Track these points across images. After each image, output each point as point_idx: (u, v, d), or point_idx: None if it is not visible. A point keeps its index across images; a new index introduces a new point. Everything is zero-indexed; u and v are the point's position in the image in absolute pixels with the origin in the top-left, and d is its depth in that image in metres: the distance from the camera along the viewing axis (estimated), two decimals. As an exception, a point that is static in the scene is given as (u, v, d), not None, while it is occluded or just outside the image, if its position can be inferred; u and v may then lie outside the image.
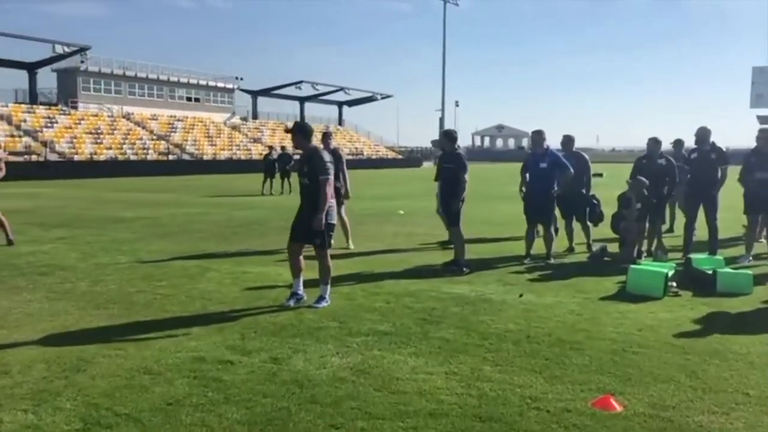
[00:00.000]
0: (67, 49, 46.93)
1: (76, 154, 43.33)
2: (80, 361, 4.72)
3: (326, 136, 10.20)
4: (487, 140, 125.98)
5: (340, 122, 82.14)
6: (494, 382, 4.36)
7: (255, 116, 70.51)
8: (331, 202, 6.56)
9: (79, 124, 48.19)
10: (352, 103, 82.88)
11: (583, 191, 10.32)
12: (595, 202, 10.43)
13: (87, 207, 18.22)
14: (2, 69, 49.26)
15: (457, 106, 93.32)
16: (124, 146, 47.69)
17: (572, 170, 9.30)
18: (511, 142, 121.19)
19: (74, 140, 44.96)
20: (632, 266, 7.22)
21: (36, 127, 44.49)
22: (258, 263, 8.99)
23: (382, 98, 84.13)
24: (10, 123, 43.49)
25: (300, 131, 6.61)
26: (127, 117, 53.69)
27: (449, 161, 8.89)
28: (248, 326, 5.72)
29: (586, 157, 10.74)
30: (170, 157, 49.24)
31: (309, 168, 6.49)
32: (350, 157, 65.26)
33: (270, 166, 24.50)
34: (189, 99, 63.55)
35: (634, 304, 6.63)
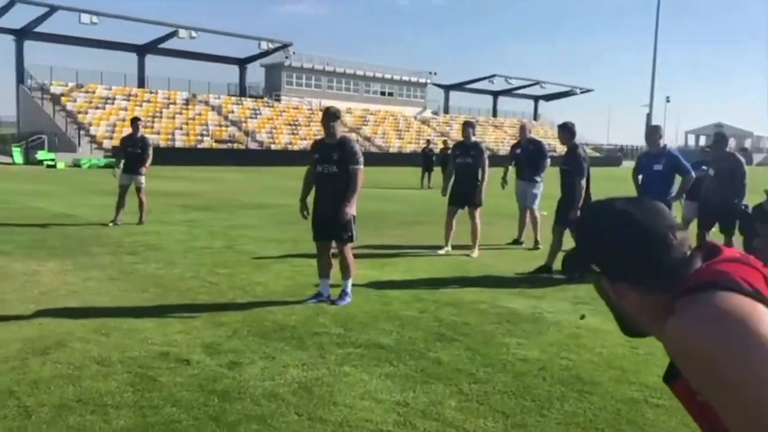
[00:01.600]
0: (271, 46, 50.52)
1: (273, 143, 46.56)
2: (55, 344, 4.74)
3: (468, 125, 9.52)
4: (702, 139, 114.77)
5: (536, 117, 79.76)
6: (439, 422, 3.61)
7: (446, 110, 70.81)
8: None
9: (280, 115, 51.76)
10: (549, 97, 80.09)
11: (736, 201, 8.67)
12: (748, 213, 8.72)
13: (245, 192, 19.28)
14: (217, 64, 54.40)
15: (668, 101, 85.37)
16: (318, 137, 50.25)
17: (693, 174, 7.79)
18: (732, 143, 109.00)
19: (274, 130, 48.37)
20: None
21: (242, 118, 48.53)
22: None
23: (582, 92, 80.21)
24: (219, 113, 47.90)
25: (326, 114, 6.28)
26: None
27: (566, 162, 7.95)
28: (250, 323, 5.42)
29: (742, 160, 9.00)
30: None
31: (339, 156, 6.07)
32: (541, 153, 63.13)
33: (428, 159, 24.24)
34: (382, 93, 65.38)
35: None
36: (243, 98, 52.80)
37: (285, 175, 30.36)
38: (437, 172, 23.84)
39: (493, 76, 68.35)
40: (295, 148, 46.92)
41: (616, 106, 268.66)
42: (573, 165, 7.88)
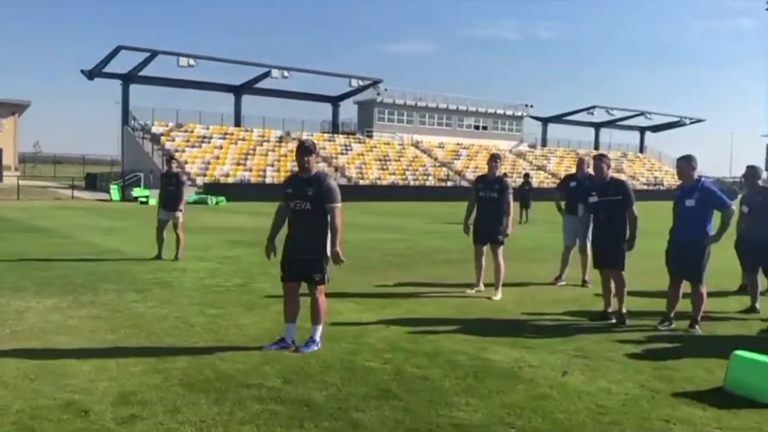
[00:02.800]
0: (362, 83, 51.29)
1: (362, 178, 46.92)
2: (-27, 387, 4.57)
3: (493, 158, 9.04)
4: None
5: (641, 149, 76.37)
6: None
7: (544, 143, 69.08)
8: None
9: (371, 151, 52.26)
10: (656, 128, 76.51)
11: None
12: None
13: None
14: (312, 102, 55.87)
15: (791, 129, 79.29)
16: (407, 172, 50.29)
17: (733, 208, 6.78)
18: (765, 175, 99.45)
19: (363, 166, 48.81)
20: (737, 353, 4.84)
21: (333, 154, 49.36)
22: (341, 298, 8.24)
23: (692, 123, 75.95)
24: (311, 150, 48.88)
25: (301, 148, 5.97)
26: (416, 145, 56.69)
27: (609, 192, 7.30)
28: (190, 371, 5.06)
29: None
30: (448, 183, 50.58)
31: (314, 192, 5.68)
32: (645, 187, 60.11)
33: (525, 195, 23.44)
34: (476, 127, 64.75)
35: (719, 409, 4.41)
36: (335, 135, 53.78)
37: (364, 209, 30.42)
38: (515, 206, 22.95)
39: (593, 107, 66.09)
40: (384, 183, 47.10)
41: (736, 136, 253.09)
42: (624, 193, 7.21)
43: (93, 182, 42.98)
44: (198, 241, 14.83)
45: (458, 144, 59.82)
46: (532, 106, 68.41)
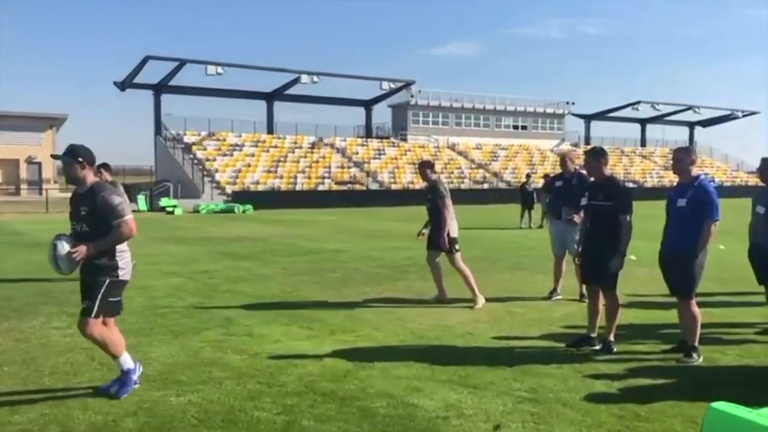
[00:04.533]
0: (393, 86, 50.32)
1: (394, 183, 45.93)
2: None
3: (421, 166, 8.66)
4: None
5: (691, 144, 73.17)
6: None
7: (587, 141, 66.76)
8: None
9: (405, 155, 51.21)
10: (706, 123, 73.22)
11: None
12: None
13: (317, 237, 18.31)
14: (345, 107, 55.24)
15: None
16: (442, 175, 49.01)
17: (716, 218, 5.51)
18: None
19: (396, 170, 47.81)
20: (714, 406, 3.62)
21: (365, 159, 48.52)
22: (292, 318, 7.23)
23: (745, 115, 72.38)
24: (344, 155, 48.22)
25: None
26: (452, 147, 55.39)
27: (602, 196, 6.03)
28: (35, 426, 4.14)
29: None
30: (485, 185, 49.15)
31: (88, 211, 4.63)
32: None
33: (527, 196, 22.03)
34: (515, 127, 62.96)
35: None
36: (369, 139, 52.97)
37: (389, 216, 29.49)
38: (538, 209, 21.60)
39: (638, 102, 63.58)
40: (416, 187, 45.92)
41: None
42: (617, 198, 5.95)
43: (127, 193, 43.10)
44: (188, 253, 14.10)
45: (496, 145, 58.22)
46: (573, 104, 66.21)
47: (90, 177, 4.73)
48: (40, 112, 45.92)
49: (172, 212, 32.18)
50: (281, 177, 42.39)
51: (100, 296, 4.61)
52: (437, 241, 8.21)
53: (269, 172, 42.79)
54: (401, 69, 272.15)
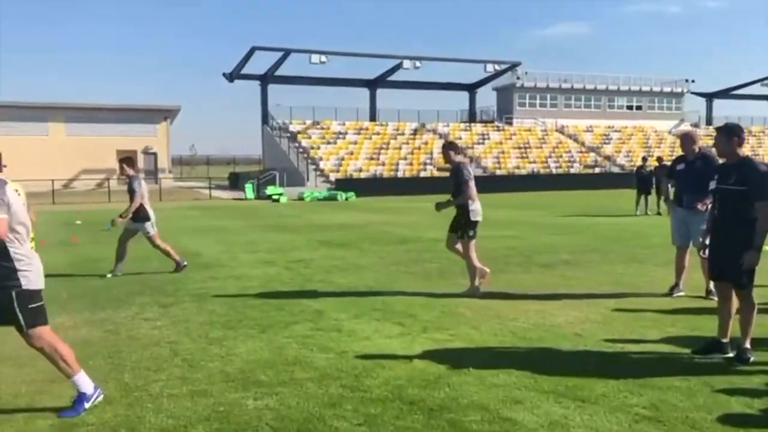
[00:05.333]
0: (498, 68, 48.91)
1: (499, 168, 44.72)
2: None
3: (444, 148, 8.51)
4: None
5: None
6: None
7: (709, 122, 62.38)
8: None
9: (510, 139, 49.76)
10: None
11: None
12: None
13: (417, 224, 17.85)
14: (449, 92, 54.35)
15: None
16: (549, 160, 47.29)
17: None
18: None
19: (501, 155, 46.55)
20: None
21: (468, 144, 47.51)
22: (384, 313, 6.80)
23: None
24: (446, 140, 47.44)
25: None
26: (560, 130, 53.29)
27: (735, 179, 5.20)
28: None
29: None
30: (596, 170, 46.94)
31: None
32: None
33: (643, 180, 20.56)
34: (629, 107, 59.67)
35: None
36: (472, 124, 51.87)
37: (493, 202, 28.38)
38: (655, 194, 20.14)
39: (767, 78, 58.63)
40: (522, 172, 44.57)
41: None
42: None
43: (235, 181, 44.51)
44: (287, 241, 14.05)
45: (609, 127, 55.42)
46: (693, 81, 61.92)
47: None
48: (155, 105, 48.10)
49: (277, 200, 32.77)
50: (383, 164, 42.26)
51: (17, 309, 4.04)
52: (459, 226, 7.96)
53: (371, 159, 42.78)
54: (507, 52, 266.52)
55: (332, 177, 39.02)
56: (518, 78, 53.61)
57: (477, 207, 7.99)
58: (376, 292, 8.19)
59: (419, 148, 45.09)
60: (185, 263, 9.95)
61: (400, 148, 44.81)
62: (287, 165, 40.59)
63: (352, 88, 51.33)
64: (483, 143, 48.21)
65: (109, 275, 9.49)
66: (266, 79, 45.36)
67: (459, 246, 8.05)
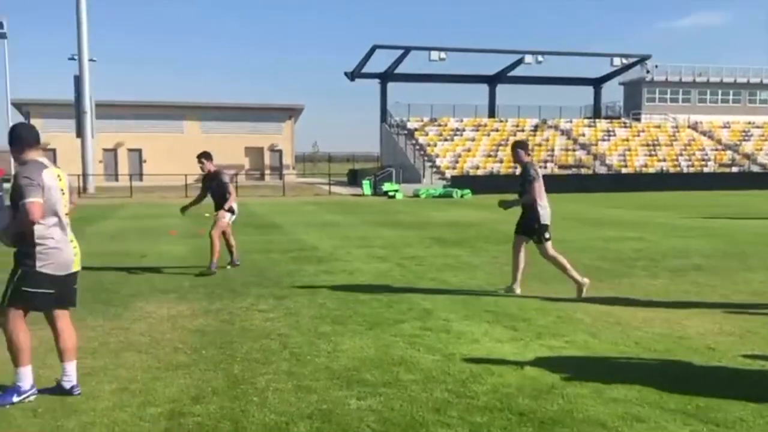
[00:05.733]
0: (625, 61, 46.59)
1: (625, 166, 42.65)
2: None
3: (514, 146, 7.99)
4: None
5: None
6: None
7: None
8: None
9: (638, 136, 47.34)
10: None
11: None
12: None
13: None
14: (572, 87, 52.47)
15: None
16: (680, 158, 44.54)
17: None
18: None
19: (627, 153, 44.39)
20: None
21: (592, 141, 45.70)
22: (494, 315, 6.53)
23: None
24: (569, 137, 45.89)
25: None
26: (693, 126, 50.06)
27: None
28: (208, 424, 3.98)
29: None
30: (733, 169, 43.67)
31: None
32: None
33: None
34: (773, 101, 55.15)
35: None
36: (597, 120, 49.78)
37: (618, 202, 27.22)
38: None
39: None
40: (650, 170, 42.26)
41: None
42: None
43: (354, 178, 45.27)
44: (400, 238, 14.00)
45: (749, 123, 51.39)
46: None
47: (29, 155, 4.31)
48: (281, 104, 49.91)
49: (393, 196, 32.96)
50: (501, 161, 41.46)
51: (12, 284, 4.22)
52: (526, 228, 7.72)
53: (489, 156, 42.10)
54: (635, 45, 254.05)
55: (448, 174, 38.77)
56: (648, 72, 50.99)
57: (546, 211, 7.65)
58: (488, 292, 7.92)
59: (540, 145, 43.87)
60: (216, 269, 9.32)
61: (519, 145, 43.77)
62: (404, 162, 40.78)
63: (471, 85, 50.77)
64: (608, 140, 46.17)
65: (228, 267, 9.80)
66: (386, 77, 45.78)
67: (523, 249, 7.84)
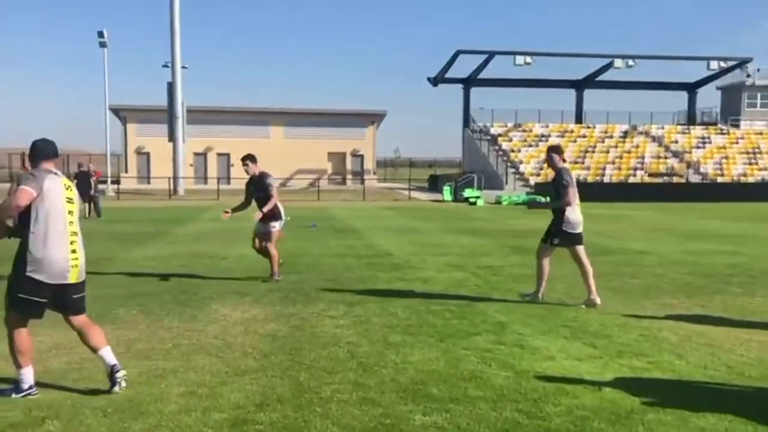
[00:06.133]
0: (723, 64, 44.27)
1: (721, 175, 40.51)
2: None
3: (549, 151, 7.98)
4: None
5: None
6: None
7: None
8: None
9: (736, 143, 44.93)
10: None
11: None
12: None
13: (623, 234, 16.61)
14: (663, 92, 50.36)
15: None
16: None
17: None
18: None
19: (724, 161, 42.18)
20: None
21: (686, 148, 43.73)
22: (571, 331, 6.21)
23: None
24: (660, 144, 44.07)
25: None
26: (800, 133, 47.01)
27: None
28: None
29: None
30: None
31: None
32: None
33: None
34: None
35: None
36: (691, 126, 47.57)
37: (713, 213, 25.80)
38: None
39: None
40: (750, 180, 39.97)
41: None
42: None
43: (434, 183, 45.08)
44: (479, 246, 13.73)
45: None
46: None
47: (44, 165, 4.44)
48: (363, 110, 50.32)
49: (474, 203, 32.58)
50: (588, 168, 40.31)
51: (9, 287, 4.32)
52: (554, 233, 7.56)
53: (576, 162, 40.93)
54: (734, 48, 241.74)
55: (532, 181, 37.99)
56: (748, 76, 48.15)
57: (575, 218, 7.51)
58: (567, 306, 7.58)
59: (629, 152, 42.40)
60: (280, 276, 9.04)
61: (607, 152, 42.46)
62: (486, 168, 40.28)
63: (557, 90, 49.63)
64: (703, 147, 44.06)
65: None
66: (469, 82, 45.42)
67: (548, 256, 7.71)
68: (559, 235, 7.51)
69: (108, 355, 4.53)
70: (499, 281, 9.26)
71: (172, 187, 35.33)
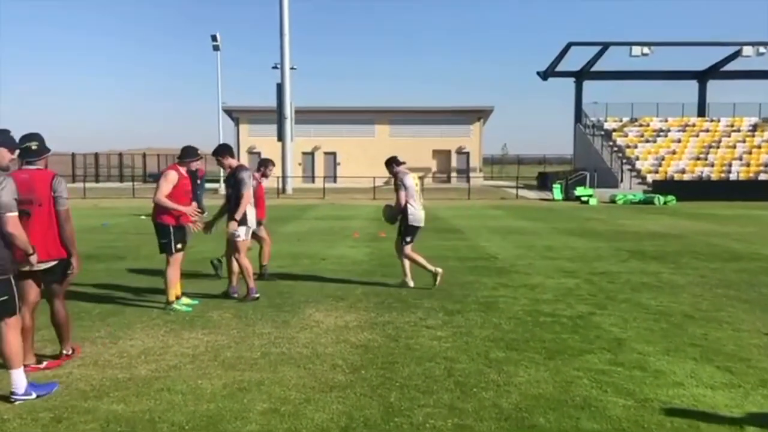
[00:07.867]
0: None
1: None
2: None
3: None
4: None
5: None
6: None
7: None
8: None
9: None
10: None
11: None
12: None
13: (751, 238, 15.08)
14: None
15: None
16: None
17: None
18: None
19: None
20: None
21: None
22: (698, 352, 5.43)
23: None
24: (795, 139, 40.34)
25: None
26: None
27: None
28: None
29: None
30: None
31: None
32: None
33: None
34: None
35: None
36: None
37: None
38: None
39: None
40: None
41: None
42: None
43: (544, 181, 43.52)
44: (592, 249, 12.81)
45: None
46: None
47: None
48: (469, 106, 49.41)
49: (586, 202, 31.05)
50: (712, 165, 37.48)
51: None
52: None
53: (698, 159, 38.24)
54: None
55: (649, 178, 35.81)
56: None
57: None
58: (694, 320, 6.74)
59: (759, 147, 39.11)
60: (257, 294, 7.70)
61: (734, 147, 39.37)
62: (599, 165, 38.40)
63: (677, 81, 46.63)
64: None
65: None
66: (581, 75, 43.48)
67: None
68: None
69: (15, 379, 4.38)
70: (615, 290, 8.45)
71: (280, 186, 36.05)
